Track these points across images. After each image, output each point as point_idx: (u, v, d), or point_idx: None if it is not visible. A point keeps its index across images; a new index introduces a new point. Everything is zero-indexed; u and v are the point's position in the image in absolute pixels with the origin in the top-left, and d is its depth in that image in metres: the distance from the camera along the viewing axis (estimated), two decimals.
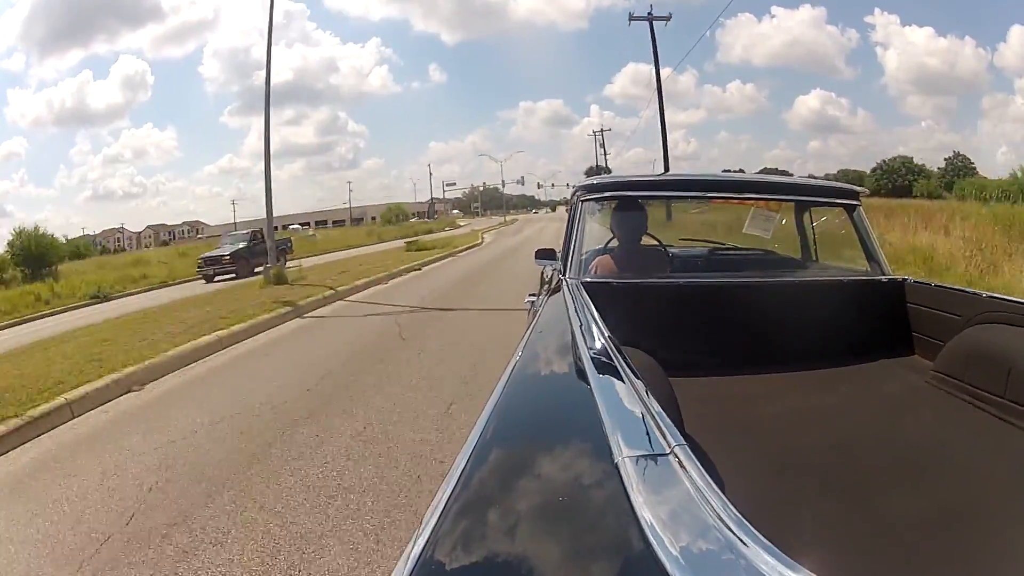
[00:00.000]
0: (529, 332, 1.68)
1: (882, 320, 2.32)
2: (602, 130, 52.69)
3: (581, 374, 1.13)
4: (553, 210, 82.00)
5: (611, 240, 2.90)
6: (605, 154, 49.01)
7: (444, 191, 68.31)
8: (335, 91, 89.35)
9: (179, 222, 75.57)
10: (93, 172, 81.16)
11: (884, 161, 49.40)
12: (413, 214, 70.76)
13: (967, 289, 2.13)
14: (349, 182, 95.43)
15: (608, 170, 47.18)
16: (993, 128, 69.37)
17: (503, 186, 70.06)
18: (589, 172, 65.68)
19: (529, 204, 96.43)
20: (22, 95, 74.38)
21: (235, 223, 68.87)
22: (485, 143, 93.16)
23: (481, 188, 69.11)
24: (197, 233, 71.93)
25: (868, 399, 1.96)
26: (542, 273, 3.62)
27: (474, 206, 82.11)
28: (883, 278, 2.47)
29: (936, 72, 63.19)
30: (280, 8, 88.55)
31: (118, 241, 69.19)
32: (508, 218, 61.86)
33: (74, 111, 76.63)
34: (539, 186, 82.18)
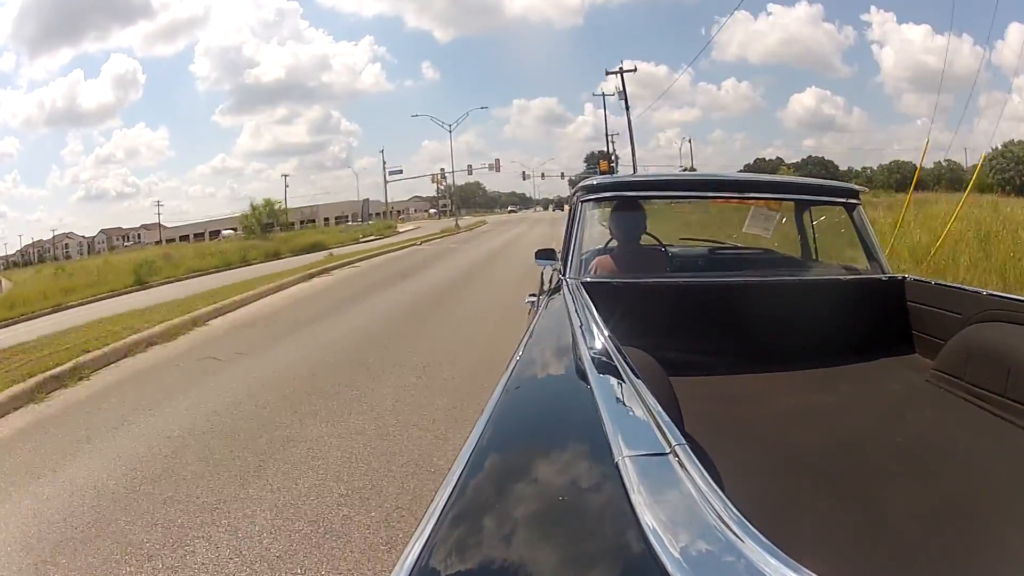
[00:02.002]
0: (529, 332, 1.67)
1: (882, 319, 2.32)
2: (621, 71, 30.50)
3: (581, 374, 1.13)
4: (545, 209, 70.39)
5: (611, 240, 2.90)
6: (628, 111, 30.20)
7: (387, 182, 52.34)
8: (328, 89, 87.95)
9: (137, 224, 66.79)
10: (85, 172, 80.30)
11: (1011, 142, 38.77)
12: (343, 216, 58.19)
13: (967, 287, 2.13)
14: (285, 175, 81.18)
15: (615, 159, 37.55)
16: (989, 126, 69.14)
17: (469, 172, 52.62)
18: (589, 160, 59.42)
19: (518, 201, 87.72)
20: (13, 95, 73.33)
21: (162, 226, 61.03)
22: (479, 141, 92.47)
23: (441, 175, 52.81)
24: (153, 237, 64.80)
25: (869, 398, 1.96)
26: (542, 273, 3.62)
27: (441, 203, 68.44)
28: (883, 277, 2.46)
29: (933, 70, 62.71)
30: (273, 6, 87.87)
31: (66, 248, 61.18)
32: (470, 219, 48.92)
33: (65, 111, 75.78)
34: (524, 176, 68.60)
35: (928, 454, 1.51)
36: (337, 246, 24.16)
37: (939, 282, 2.32)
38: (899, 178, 43.57)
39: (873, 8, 72.45)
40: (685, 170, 31.18)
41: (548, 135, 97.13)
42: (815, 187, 2.94)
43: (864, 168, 53.99)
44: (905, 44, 61.72)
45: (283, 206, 37.60)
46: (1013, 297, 1.84)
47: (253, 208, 37.44)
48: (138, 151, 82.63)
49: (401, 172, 54.55)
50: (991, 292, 1.98)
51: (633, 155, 30.87)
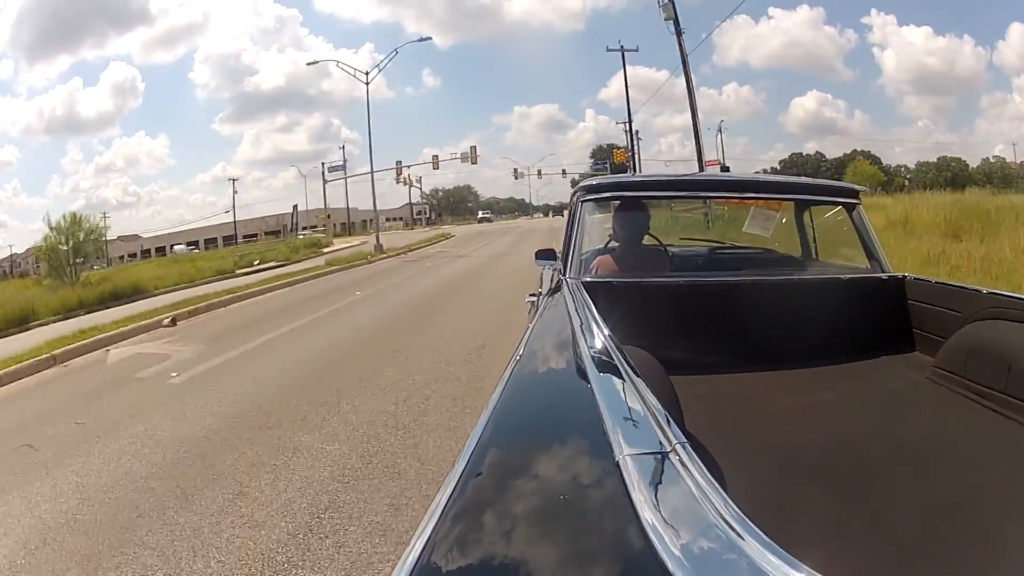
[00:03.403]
0: (529, 332, 1.68)
1: (883, 317, 2.32)
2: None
3: (581, 373, 1.13)
4: (546, 215, 63.15)
5: (611, 240, 2.91)
6: (680, 38, 17.65)
7: (325, 180, 40.48)
8: (328, 97, 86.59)
9: (113, 236, 59.59)
10: (86, 181, 79.44)
11: None
12: (311, 226, 45.61)
13: (967, 285, 2.13)
14: (233, 179, 63.65)
15: (630, 155, 33.43)
16: (991, 127, 69.21)
17: (435, 166, 39.42)
18: (596, 154, 56.09)
19: (517, 208, 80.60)
20: (12, 103, 72.60)
21: (105, 241, 56.92)
22: (480, 148, 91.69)
23: (398, 168, 40.71)
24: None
25: (869, 396, 1.96)
26: (542, 273, 3.63)
27: (417, 211, 58.36)
28: (883, 275, 2.46)
29: (934, 72, 62.54)
30: (272, 13, 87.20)
31: (36, 262, 55.93)
32: (446, 228, 41.55)
33: (65, 119, 74.89)
34: (516, 175, 56.39)
35: (929, 452, 1.51)
36: (173, 287, 15.88)
37: (939, 280, 2.33)
38: (949, 176, 41.71)
39: (874, 11, 72.63)
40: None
41: (550, 142, 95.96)
42: (815, 187, 2.95)
43: (899, 166, 52.82)
44: (906, 46, 61.81)
45: (102, 224, 20.79)
46: (1012, 295, 1.85)
47: (55, 229, 19.12)
48: (138, 159, 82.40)
49: (341, 166, 40.97)
50: (991, 290, 1.98)
51: (694, 114, 17.92)
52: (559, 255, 2.92)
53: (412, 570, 0.61)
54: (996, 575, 1.02)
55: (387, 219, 62.45)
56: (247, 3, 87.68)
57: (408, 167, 41.83)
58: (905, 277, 2.41)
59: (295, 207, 46.40)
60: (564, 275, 2.43)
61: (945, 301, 2.11)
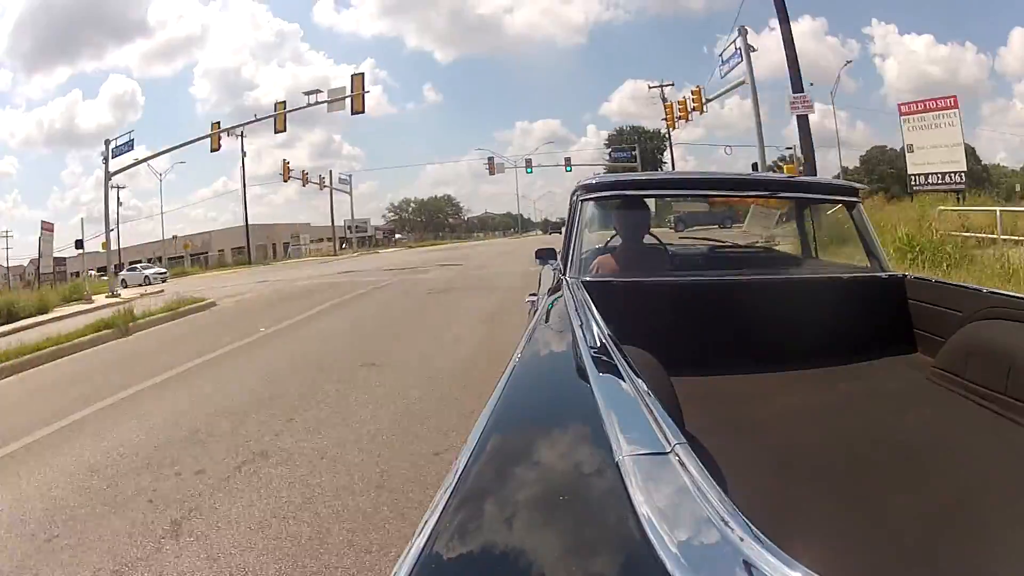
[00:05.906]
0: (529, 332, 1.68)
1: (883, 317, 2.32)
2: None
3: (581, 373, 1.12)
4: (545, 232, 54.09)
5: (612, 239, 2.92)
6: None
7: (108, 175, 22.02)
8: (329, 113, 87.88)
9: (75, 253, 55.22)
10: (86, 194, 79.55)
11: None
12: (239, 248, 38.86)
13: (968, 285, 2.12)
14: (118, 188, 32.38)
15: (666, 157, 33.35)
16: (992, 133, 69.22)
17: (307, 101, 25.49)
18: (615, 140, 50.87)
19: (512, 224, 74.22)
20: (11, 115, 72.44)
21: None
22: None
23: (219, 139, 25.67)
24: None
25: (869, 396, 1.95)
26: (541, 273, 3.64)
27: (349, 222, 47.20)
28: (883, 275, 2.46)
29: (936, 80, 61.88)
30: (272, 28, 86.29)
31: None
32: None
33: (64, 132, 74.27)
34: (493, 168, 42.86)
35: (929, 452, 1.51)
36: None
37: (940, 280, 2.33)
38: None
39: (874, 20, 72.89)
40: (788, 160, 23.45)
41: (551, 157, 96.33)
42: (815, 186, 2.97)
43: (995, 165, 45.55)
44: (908, 55, 61.39)
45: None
46: (1013, 295, 1.84)
47: None
48: (138, 172, 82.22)
49: (130, 147, 23.62)
50: (991, 290, 1.98)
51: None
52: (559, 254, 2.93)
53: (414, 564, 0.61)
54: None
55: (312, 239, 49.40)
56: (247, 17, 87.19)
57: (227, 131, 27.14)
58: (905, 276, 2.41)
59: (43, 225, 26.13)
60: (564, 274, 2.43)
61: (945, 300, 2.10)
